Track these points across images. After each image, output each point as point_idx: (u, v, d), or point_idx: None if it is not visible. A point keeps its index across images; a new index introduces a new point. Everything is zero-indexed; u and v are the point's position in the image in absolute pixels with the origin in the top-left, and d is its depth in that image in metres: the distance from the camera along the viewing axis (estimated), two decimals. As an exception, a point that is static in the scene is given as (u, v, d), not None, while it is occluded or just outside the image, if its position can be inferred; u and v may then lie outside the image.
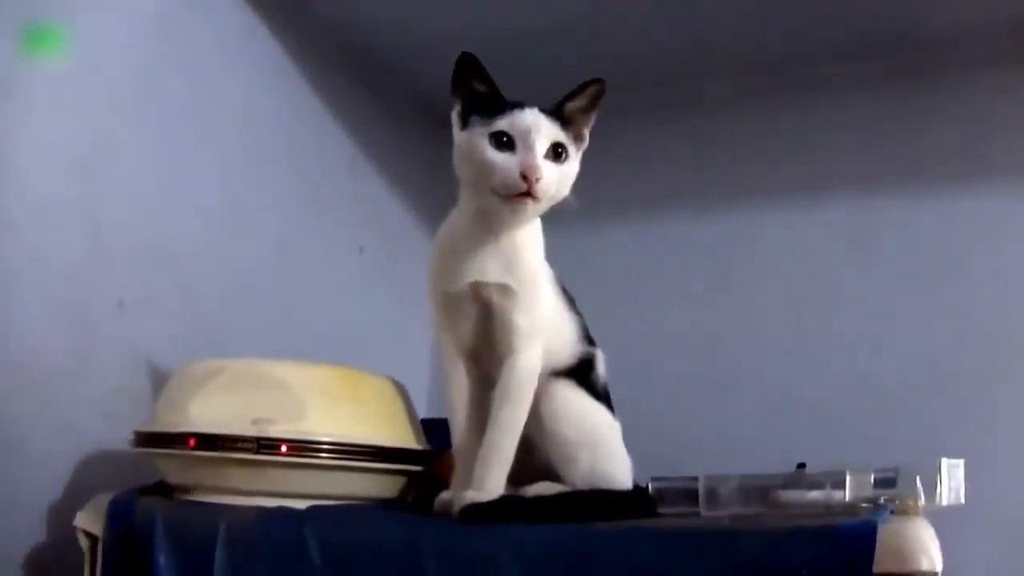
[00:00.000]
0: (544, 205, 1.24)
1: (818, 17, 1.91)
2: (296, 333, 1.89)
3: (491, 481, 1.21)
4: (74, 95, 1.50)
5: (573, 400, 1.33)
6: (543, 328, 1.28)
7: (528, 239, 1.29)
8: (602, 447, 1.33)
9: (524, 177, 1.19)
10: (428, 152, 2.37)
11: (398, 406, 1.34)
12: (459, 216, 1.30)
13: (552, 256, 1.34)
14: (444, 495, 1.25)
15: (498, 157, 1.20)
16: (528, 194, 1.19)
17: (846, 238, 2.03)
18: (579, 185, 2.07)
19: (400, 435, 1.30)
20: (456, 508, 1.17)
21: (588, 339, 1.38)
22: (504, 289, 1.25)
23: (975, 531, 1.53)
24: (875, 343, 1.95)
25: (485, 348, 1.29)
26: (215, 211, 1.76)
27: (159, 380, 1.37)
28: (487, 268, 1.25)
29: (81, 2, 1.52)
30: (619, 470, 1.34)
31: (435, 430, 1.42)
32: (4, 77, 1.40)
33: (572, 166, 1.27)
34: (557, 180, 1.22)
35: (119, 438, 1.38)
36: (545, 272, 1.32)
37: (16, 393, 1.39)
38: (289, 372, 1.27)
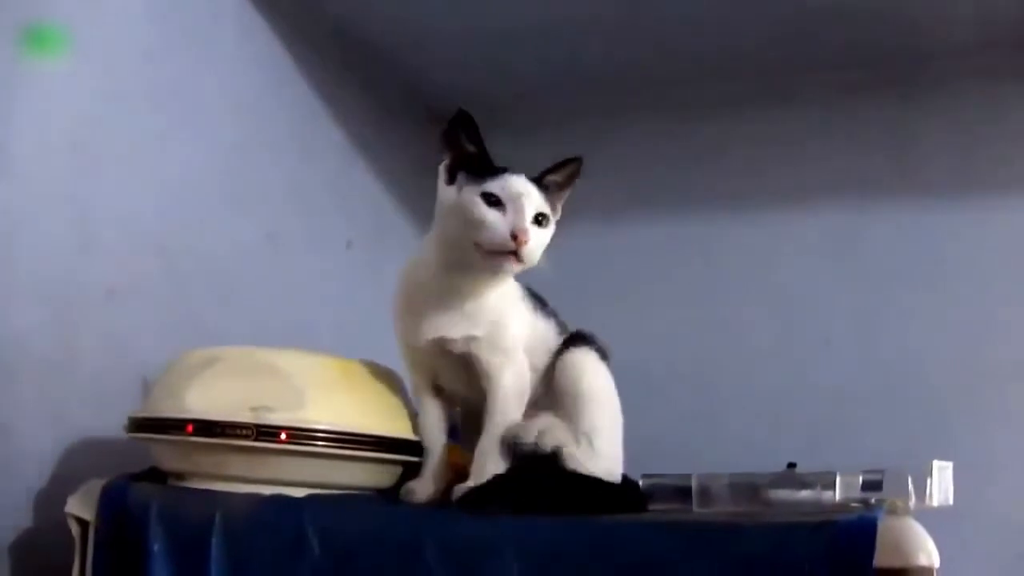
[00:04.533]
0: (521, 267, 1.27)
1: (810, 27, 1.94)
2: (284, 324, 1.89)
3: (491, 469, 1.25)
4: (65, 83, 1.49)
5: (598, 371, 1.37)
6: (519, 347, 1.33)
7: (492, 285, 1.32)
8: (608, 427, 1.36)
9: (514, 237, 1.23)
10: (417, 146, 2.37)
11: (396, 397, 1.35)
12: (423, 265, 1.34)
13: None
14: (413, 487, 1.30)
15: (489, 215, 1.25)
16: (513, 253, 1.24)
17: (833, 243, 2.07)
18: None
19: (399, 426, 1.31)
20: (455, 497, 1.21)
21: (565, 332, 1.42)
22: (470, 339, 1.30)
23: (961, 531, 1.56)
24: (861, 347, 1.99)
25: (462, 381, 1.34)
26: (204, 201, 1.75)
27: (147, 369, 1.38)
28: (451, 324, 1.30)
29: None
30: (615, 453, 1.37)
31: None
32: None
33: (550, 233, 1.31)
34: (539, 245, 1.27)
35: (107, 426, 1.38)
36: (512, 298, 1.36)
37: (3, 380, 1.38)
38: (288, 361, 1.27)
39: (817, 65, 2.08)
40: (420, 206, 2.33)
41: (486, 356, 1.30)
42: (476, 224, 1.25)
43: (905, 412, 1.89)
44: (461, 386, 1.35)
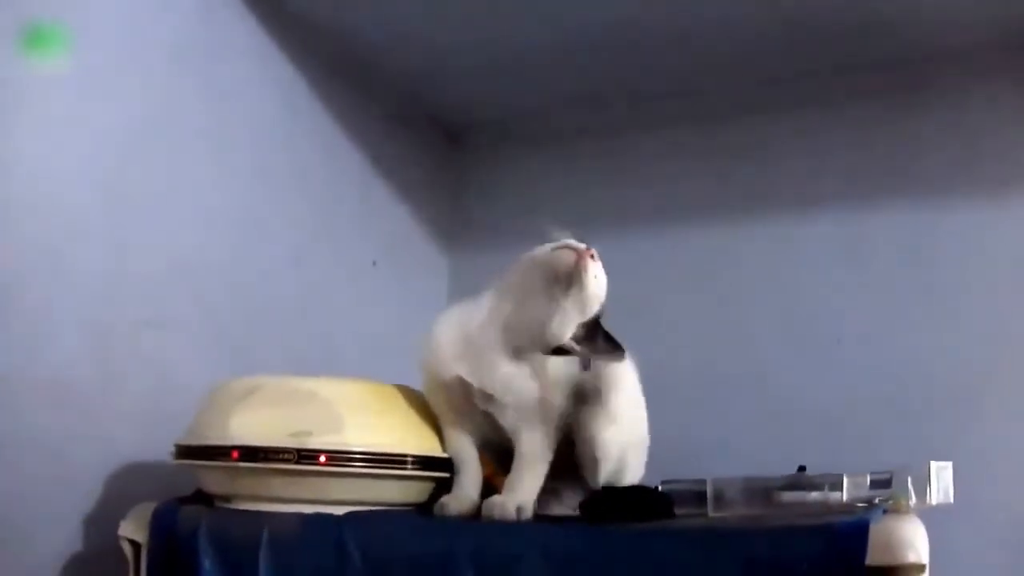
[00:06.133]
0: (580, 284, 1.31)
1: (812, 34, 1.96)
2: (314, 345, 1.95)
3: (527, 484, 1.32)
4: (97, 117, 1.56)
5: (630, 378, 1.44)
6: (538, 418, 1.35)
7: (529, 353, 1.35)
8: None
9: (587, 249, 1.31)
10: (436, 165, 2.45)
11: (427, 418, 1.40)
12: (476, 311, 1.37)
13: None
14: (446, 501, 1.34)
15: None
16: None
17: (841, 247, 2.08)
18: (579, 197, 2.12)
19: (430, 445, 1.37)
20: (499, 514, 1.27)
21: None
22: (489, 397, 1.34)
23: (970, 528, 1.61)
24: (870, 350, 2.00)
25: (486, 428, 1.38)
26: (233, 228, 1.82)
27: (186, 393, 1.42)
28: (475, 372, 1.34)
29: (101, 29, 1.58)
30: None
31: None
32: (31, 101, 1.47)
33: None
34: (601, 284, 1.34)
35: (150, 450, 1.45)
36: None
37: (50, 408, 1.45)
38: (325, 387, 1.33)
39: (820, 71, 2.10)
40: (440, 222, 2.39)
41: (507, 419, 1.34)
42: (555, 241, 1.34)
43: (916, 411, 1.91)
44: (486, 433, 1.38)
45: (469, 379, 1.33)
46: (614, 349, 1.34)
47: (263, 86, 1.93)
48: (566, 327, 1.32)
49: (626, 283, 2.14)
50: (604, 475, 1.37)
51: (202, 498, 1.38)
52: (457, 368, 1.34)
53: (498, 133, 2.49)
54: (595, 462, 1.35)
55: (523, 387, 1.33)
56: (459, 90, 2.31)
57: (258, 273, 1.86)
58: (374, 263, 2.20)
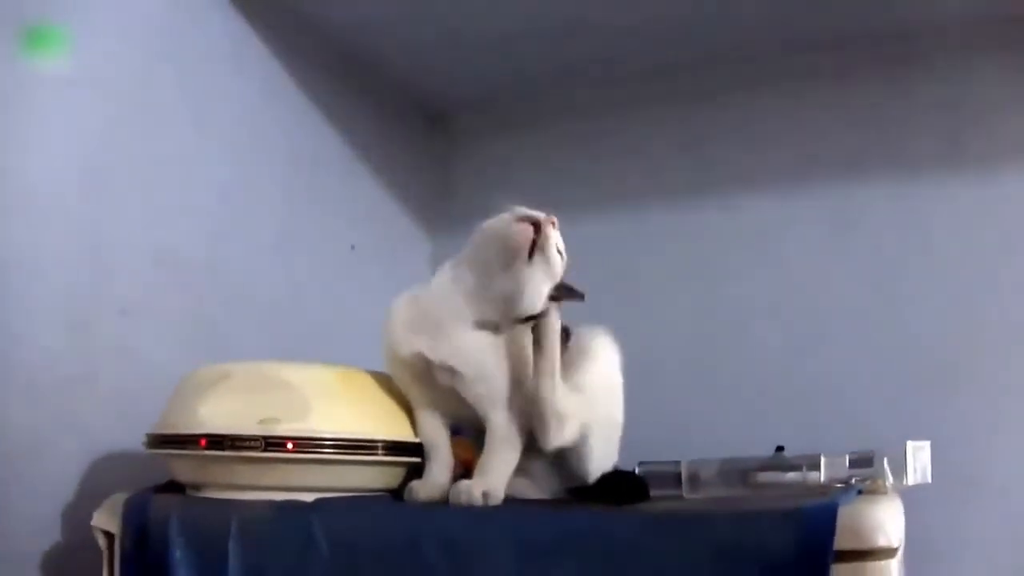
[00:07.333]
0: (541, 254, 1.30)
1: (803, 7, 1.94)
2: (293, 331, 1.94)
3: (495, 468, 1.30)
4: (74, 107, 1.54)
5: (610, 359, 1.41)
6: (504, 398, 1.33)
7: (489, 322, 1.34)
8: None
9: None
10: (417, 148, 2.43)
11: (397, 402, 1.39)
12: (435, 286, 1.36)
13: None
14: (416, 486, 1.33)
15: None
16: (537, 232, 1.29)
17: (828, 226, 2.07)
18: (569, 177, 2.10)
19: (400, 429, 1.36)
20: (465, 499, 1.25)
21: None
22: (451, 371, 1.32)
23: (952, 506, 1.60)
24: (857, 329, 2.00)
25: (454, 405, 1.35)
26: (212, 215, 1.80)
27: (165, 382, 1.40)
28: (435, 347, 1.32)
29: (80, 15, 1.56)
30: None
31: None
32: (7, 90, 1.45)
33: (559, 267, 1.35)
34: (559, 250, 1.33)
35: (128, 440, 1.42)
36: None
37: (28, 400, 1.44)
38: (293, 373, 1.31)
39: (805, 47, 2.09)
40: (421, 206, 2.38)
41: (471, 394, 1.32)
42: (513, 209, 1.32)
43: (901, 391, 1.90)
44: (458, 411, 1.36)
45: (428, 354, 1.32)
46: (575, 293, 1.35)
47: (243, 73, 1.91)
48: (538, 296, 1.31)
49: (609, 263, 2.15)
50: (558, 439, 1.30)
51: (175, 487, 1.37)
52: (416, 343, 1.33)
53: (481, 116, 2.48)
54: (544, 420, 1.29)
55: (485, 358, 1.32)
56: (441, 73, 2.30)
57: (238, 261, 1.85)
58: (352, 247, 2.19)
